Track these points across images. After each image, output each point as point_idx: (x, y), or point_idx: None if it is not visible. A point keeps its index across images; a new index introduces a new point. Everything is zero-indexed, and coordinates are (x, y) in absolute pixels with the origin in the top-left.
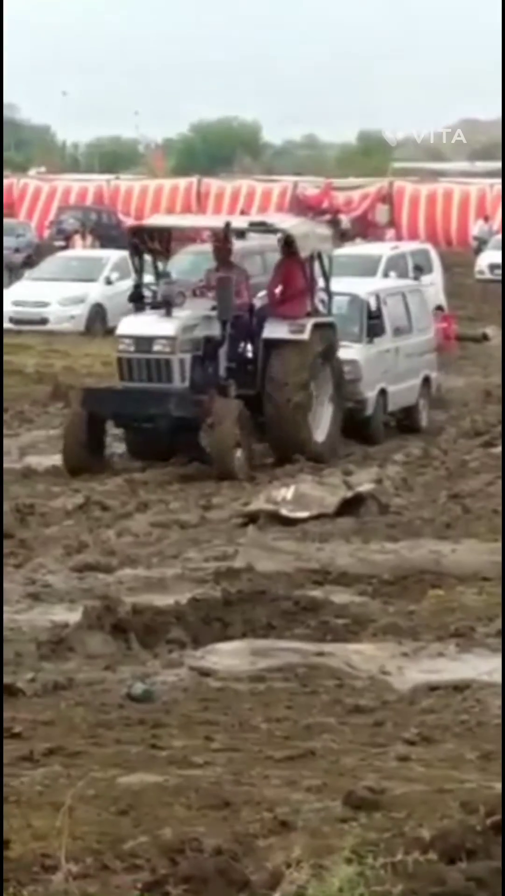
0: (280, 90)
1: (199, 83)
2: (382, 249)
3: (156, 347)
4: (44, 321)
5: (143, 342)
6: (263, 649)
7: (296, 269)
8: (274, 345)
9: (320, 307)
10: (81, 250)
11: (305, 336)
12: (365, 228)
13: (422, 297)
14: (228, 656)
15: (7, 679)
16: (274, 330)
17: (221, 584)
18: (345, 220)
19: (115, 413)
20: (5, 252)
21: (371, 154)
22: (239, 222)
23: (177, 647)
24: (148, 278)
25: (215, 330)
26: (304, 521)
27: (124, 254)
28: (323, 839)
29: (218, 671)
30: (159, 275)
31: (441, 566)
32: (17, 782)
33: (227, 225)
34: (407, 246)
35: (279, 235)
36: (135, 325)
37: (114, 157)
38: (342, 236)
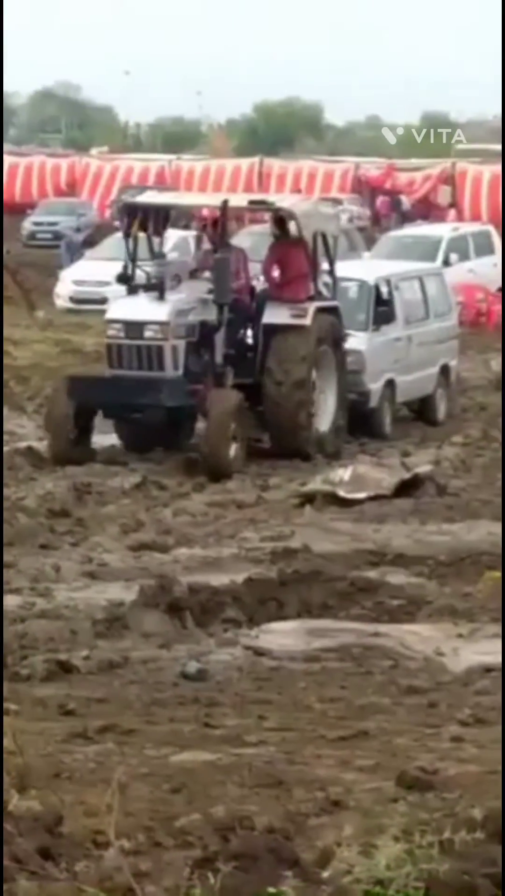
0: (344, 69)
1: (262, 64)
2: (443, 231)
3: (147, 333)
4: (104, 301)
5: (134, 327)
6: (318, 629)
7: (297, 251)
8: (274, 330)
9: (324, 291)
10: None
11: (308, 321)
12: (427, 210)
13: (441, 281)
14: (283, 636)
15: (62, 656)
16: (274, 314)
17: (277, 564)
18: (406, 202)
19: (104, 403)
20: (67, 231)
21: (435, 136)
22: (237, 200)
23: (232, 627)
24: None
25: (211, 314)
26: (361, 502)
27: (185, 233)
28: (375, 819)
29: (273, 651)
30: (154, 255)
31: (498, 548)
32: (71, 759)
33: (225, 203)
34: (468, 227)
35: (277, 214)
36: (125, 309)
37: (176, 138)
38: (404, 218)
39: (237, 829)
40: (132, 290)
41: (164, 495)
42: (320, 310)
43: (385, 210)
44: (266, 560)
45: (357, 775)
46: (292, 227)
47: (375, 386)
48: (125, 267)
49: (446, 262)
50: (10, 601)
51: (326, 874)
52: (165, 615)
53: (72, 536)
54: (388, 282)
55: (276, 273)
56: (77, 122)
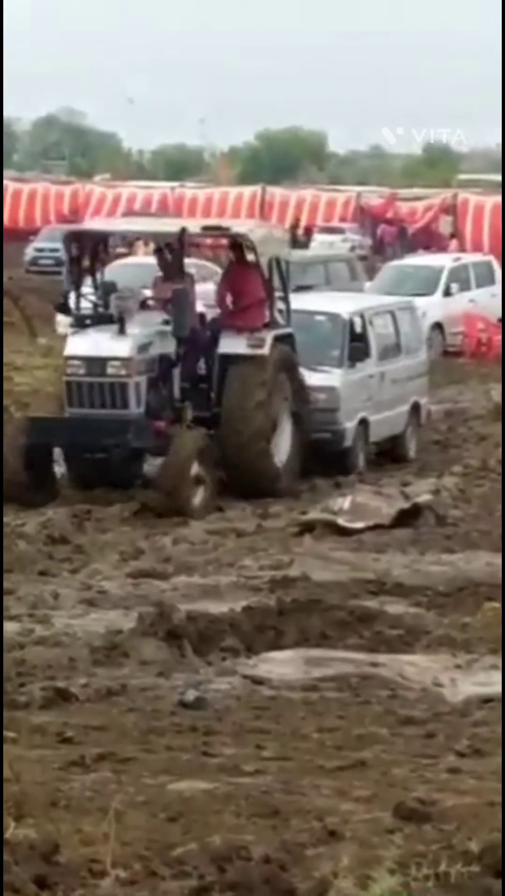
0: (346, 99)
1: (264, 92)
2: (445, 261)
3: (110, 370)
4: None
5: (96, 364)
6: (317, 659)
7: (253, 277)
8: (231, 360)
9: (279, 318)
10: (144, 258)
11: (266, 351)
12: (429, 239)
13: (413, 315)
14: (282, 665)
15: (60, 684)
16: (230, 344)
17: (276, 592)
18: (407, 231)
19: (65, 444)
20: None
21: (436, 165)
22: (190, 226)
23: (230, 655)
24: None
25: (170, 347)
26: (360, 531)
27: (187, 261)
28: (371, 850)
29: (271, 680)
30: (97, 285)
31: (497, 579)
32: (68, 787)
33: (183, 230)
34: (469, 258)
35: (232, 240)
36: (84, 344)
37: (179, 165)
38: (409, 247)
39: (234, 858)
40: (79, 321)
41: (164, 523)
42: (277, 338)
43: (390, 239)
44: (265, 588)
45: (354, 805)
46: (248, 253)
47: (349, 424)
48: (65, 296)
49: (448, 293)
50: (9, 628)
51: None
52: (164, 643)
53: (71, 563)
54: (361, 316)
55: (230, 300)
56: (80, 149)
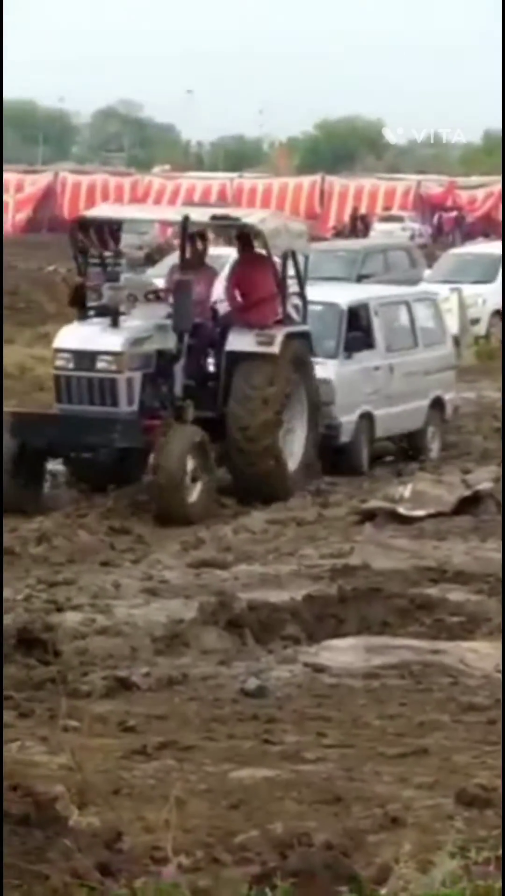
0: (404, 89)
1: (323, 82)
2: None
3: (99, 365)
4: None
5: (85, 358)
6: (378, 646)
7: (264, 271)
8: (239, 358)
9: (293, 314)
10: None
11: (276, 349)
12: (487, 227)
13: (435, 308)
14: (343, 653)
15: (122, 673)
16: (239, 341)
17: (337, 581)
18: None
19: (51, 443)
20: (128, 248)
21: (495, 153)
22: (199, 215)
23: (291, 644)
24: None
25: (170, 342)
26: (421, 519)
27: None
28: (433, 835)
29: (332, 668)
30: (108, 275)
31: None
32: (130, 775)
33: (186, 219)
34: None
35: (241, 231)
36: (75, 337)
37: (238, 156)
38: (465, 235)
39: (296, 845)
40: (84, 314)
41: (225, 513)
42: (290, 335)
43: (449, 227)
44: (325, 577)
45: (416, 792)
46: (259, 245)
47: (346, 419)
48: (77, 288)
49: None
50: (71, 618)
51: (383, 890)
52: (225, 632)
53: (132, 553)
54: (365, 306)
55: (239, 295)
56: (139, 141)
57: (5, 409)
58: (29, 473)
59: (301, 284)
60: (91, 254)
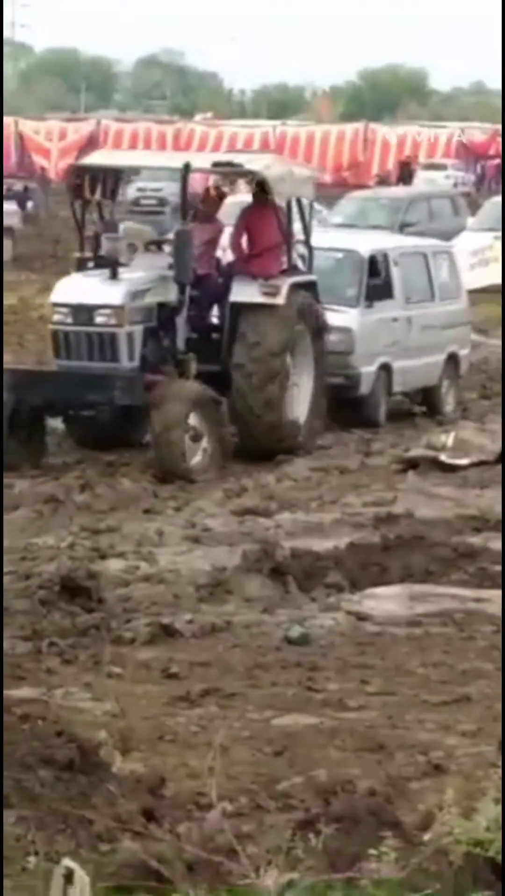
0: (447, 35)
1: (366, 29)
2: None
3: (98, 319)
4: None
5: (83, 312)
6: (421, 594)
7: (269, 218)
8: (243, 309)
9: (299, 263)
10: (245, 195)
11: (281, 300)
12: None
13: (452, 261)
14: (386, 601)
15: (165, 620)
16: (243, 291)
17: (380, 529)
18: None
19: (48, 400)
20: (171, 197)
21: None
22: (200, 162)
23: (334, 592)
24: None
25: (171, 294)
26: (464, 467)
27: None
28: (476, 783)
29: (375, 616)
30: (106, 225)
31: None
32: (173, 722)
33: (187, 166)
34: None
35: (249, 179)
36: (73, 290)
37: (280, 104)
38: None
39: (339, 792)
40: (81, 264)
41: (267, 460)
42: (295, 286)
43: (493, 174)
44: (369, 525)
45: (458, 740)
46: (264, 192)
47: (366, 369)
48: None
49: None
50: (114, 565)
51: (426, 836)
52: (268, 580)
53: (175, 501)
54: (385, 255)
55: (244, 244)
56: (181, 89)
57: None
58: (28, 431)
59: (307, 233)
60: (89, 202)
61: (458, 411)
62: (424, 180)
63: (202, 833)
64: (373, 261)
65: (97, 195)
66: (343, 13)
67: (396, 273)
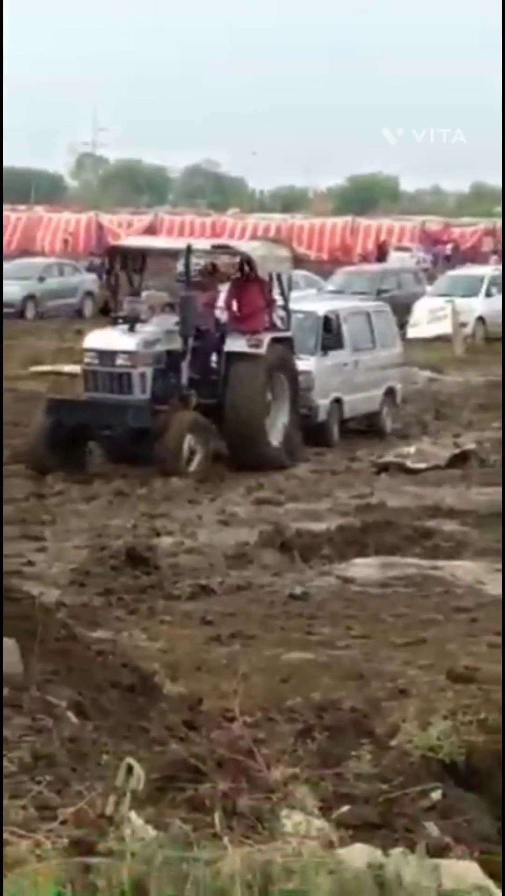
0: (415, 154)
1: (354, 148)
2: (486, 271)
3: (118, 361)
4: None
5: (107, 356)
6: (391, 564)
7: (254, 288)
8: (234, 357)
9: (279, 322)
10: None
11: (262, 350)
12: (475, 256)
13: (388, 317)
14: (365, 568)
15: (203, 581)
16: (234, 344)
17: (361, 515)
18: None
19: (77, 422)
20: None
21: (482, 199)
22: (202, 244)
23: (327, 561)
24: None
25: (177, 344)
26: (423, 470)
27: (296, 272)
28: (430, 703)
29: (357, 579)
30: (134, 291)
31: None
32: (208, 656)
33: (189, 248)
34: None
35: (238, 257)
36: (99, 339)
37: (290, 201)
38: (460, 261)
39: (329, 709)
40: (114, 321)
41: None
42: (275, 340)
43: (446, 255)
44: (352, 513)
45: (418, 671)
46: (251, 268)
47: (322, 402)
48: (106, 301)
49: (488, 294)
50: (166, 541)
51: (393, 743)
52: (278, 552)
53: (210, 494)
54: (336, 315)
55: (235, 307)
56: (217, 190)
57: (49, 395)
58: (62, 445)
59: (285, 299)
60: (120, 274)
61: (395, 431)
62: (395, 259)
63: (229, 738)
64: (327, 319)
65: (126, 269)
66: (336, 136)
67: (345, 328)
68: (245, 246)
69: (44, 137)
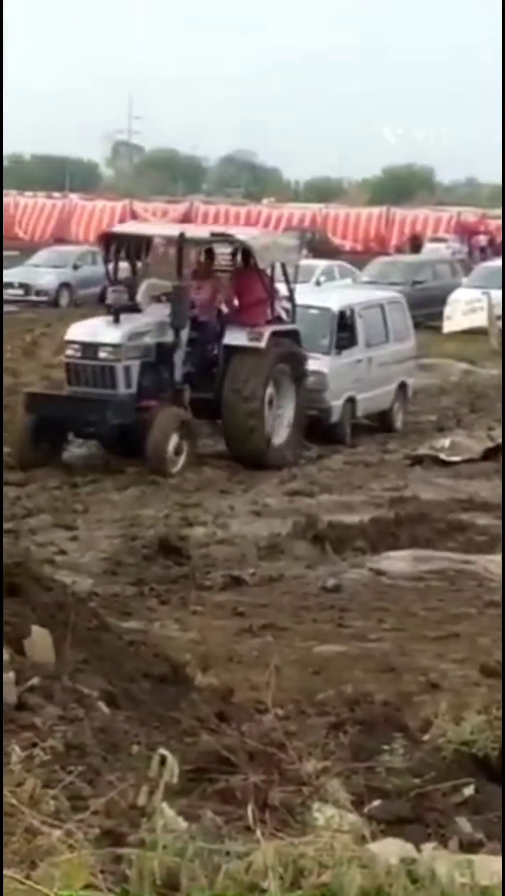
0: (453, 144)
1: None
2: None
3: (101, 354)
4: None
5: (89, 349)
6: (424, 557)
7: (255, 279)
8: (234, 351)
9: (283, 315)
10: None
11: (262, 344)
12: None
13: (402, 308)
14: (397, 561)
15: (235, 572)
16: (234, 337)
17: (394, 508)
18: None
19: (59, 418)
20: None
21: None
22: (200, 232)
23: (360, 553)
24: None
25: (169, 336)
26: (457, 463)
27: (331, 263)
28: (463, 698)
29: (389, 572)
30: (117, 280)
31: None
32: (240, 648)
33: (182, 235)
34: None
35: (236, 246)
36: (82, 331)
37: (324, 192)
38: (495, 252)
39: (361, 702)
40: (109, 310)
41: (310, 455)
42: (277, 333)
43: (481, 246)
44: (385, 505)
45: (450, 665)
46: (251, 258)
47: (336, 403)
48: (104, 289)
49: None
50: (198, 531)
51: (425, 737)
52: (311, 544)
53: (243, 485)
54: (351, 310)
55: (236, 299)
56: (252, 180)
57: (25, 389)
58: (46, 440)
59: (291, 290)
60: (119, 261)
61: (406, 427)
62: (430, 250)
63: (260, 731)
64: (342, 315)
65: (123, 257)
66: (373, 126)
67: (359, 323)
68: (244, 234)
69: (79, 126)
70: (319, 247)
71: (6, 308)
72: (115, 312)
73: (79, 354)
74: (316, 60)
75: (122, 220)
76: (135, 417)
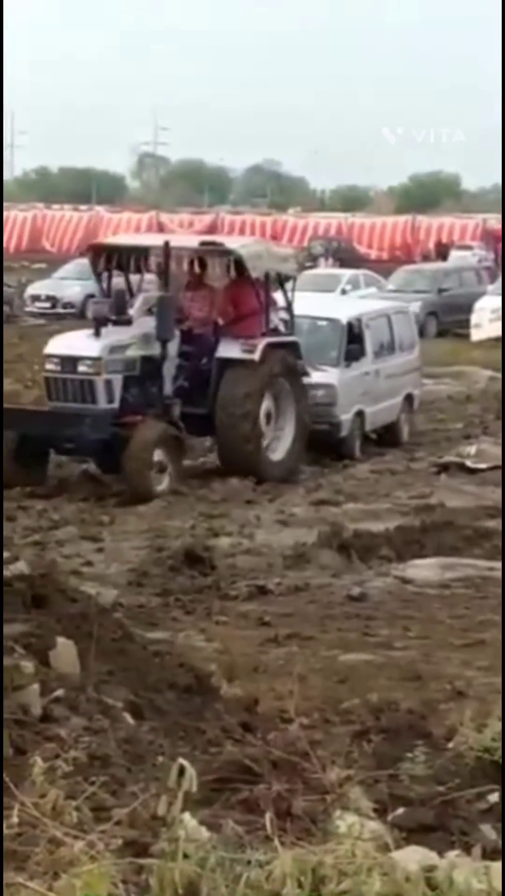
0: (479, 149)
1: (415, 148)
2: None
3: (81, 368)
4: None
5: (69, 362)
6: (449, 564)
7: (248, 290)
8: (227, 364)
9: (281, 327)
10: (325, 269)
11: (256, 356)
12: None
13: (408, 317)
14: (423, 569)
15: (260, 582)
16: (227, 349)
17: (420, 515)
18: None
19: (38, 434)
20: None
21: None
22: (190, 241)
23: (385, 562)
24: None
25: (155, 349)
26: (483, 470)
27: (357, 271)
28: (488, 705)
29: (415, 580)
30: (130, 291)
31: None
32: (265, 657)
33: (167, 244)
34: None
35: (228, 256)
36: (61, 344)
37: (351, 201)
38: None
39: (386, 710)
40: (97, 323)
41: (337, 464)
42: (273, 345)
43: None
44: (411, 513)
45: (476, 673)
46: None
47: (345, 417)
48: (96, 300)
49: None
50: (223, 541)
51: (449, 745)
52: (336, 553)
53: (269, 495)
54: (359, 321)
55: (230, 310)
56: (278, 190)
57: (5, 405)
58: (30, 457)
59: (288, 301)
60: (107, 273)
61: (411, 439)
62: (456, 257)
63: (284, 740)
64: (351, 326)
65: (113, 269)
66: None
67: (367, 334)
68: (234, 243)
69: (105, 138)
70: (345, 255)
71: (34, 321)
72: (97, 325)
73: (58, 369)
74: (343, 70)
75: (148, 232)
76: (114, 433)
